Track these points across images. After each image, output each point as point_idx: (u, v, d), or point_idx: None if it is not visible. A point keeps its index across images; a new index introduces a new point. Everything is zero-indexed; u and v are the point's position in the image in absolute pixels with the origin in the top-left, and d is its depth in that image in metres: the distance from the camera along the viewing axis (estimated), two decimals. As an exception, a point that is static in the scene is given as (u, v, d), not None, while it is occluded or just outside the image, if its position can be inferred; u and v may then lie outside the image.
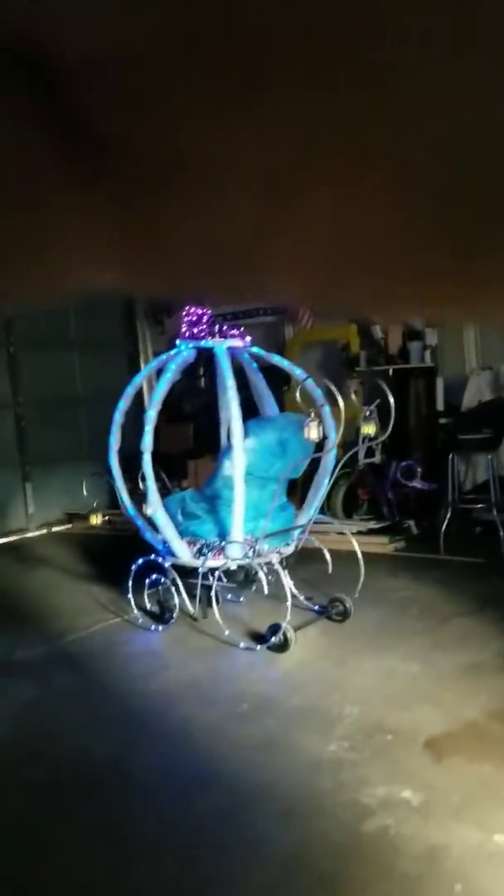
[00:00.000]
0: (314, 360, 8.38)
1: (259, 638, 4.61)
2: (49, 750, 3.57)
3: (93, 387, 9.42)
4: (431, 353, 7.71)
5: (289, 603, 4.50)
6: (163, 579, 4.94)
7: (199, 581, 4.79)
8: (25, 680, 4.37)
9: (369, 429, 4.97)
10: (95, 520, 5.80)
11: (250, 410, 5.06)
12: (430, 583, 5.60)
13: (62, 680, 4.35)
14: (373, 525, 7.00)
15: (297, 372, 4.96)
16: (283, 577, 4.60)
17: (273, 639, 4.47)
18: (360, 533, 5.79)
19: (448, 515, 6.51)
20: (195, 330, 4.80)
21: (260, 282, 0.21)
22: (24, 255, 0.20)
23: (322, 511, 5.24)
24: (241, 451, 4.53)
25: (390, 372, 7.51)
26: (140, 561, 5.02)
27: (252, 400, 5.28)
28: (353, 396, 5.30)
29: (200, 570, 4.73)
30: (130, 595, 5.12)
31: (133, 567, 5.05)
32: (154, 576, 4.99)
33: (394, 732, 3.47)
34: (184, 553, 4.82)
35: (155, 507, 4.77)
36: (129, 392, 5.10)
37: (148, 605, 5.19)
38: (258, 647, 4.52)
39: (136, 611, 5.15)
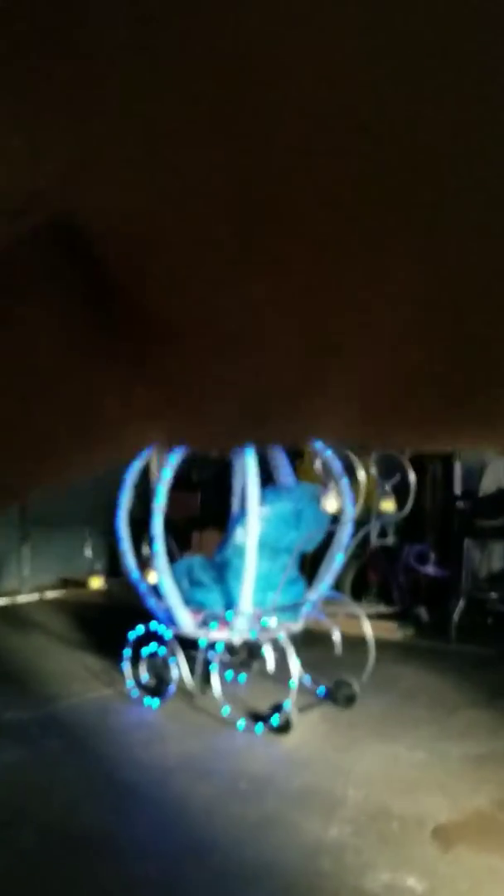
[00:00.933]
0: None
1: (260, 717, 4.45)
2: (37, 812, 3.42)
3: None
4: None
5: (294, 683, 4.35)
6: (161, 650, 4.80)
7: (200, 654, 4.66)
8: (14, 742, 4.22)
9: (388, 505, 4.90)
10: (96, 582, 5.70)
11: (265, 481, 5.00)
12: (439, 672, 5.47)
13: (52, 744, 4.20)
14: (382, 609, 6.88)
15: (318, 443, 4.91)
16: (290, 654, 4.46)
17: (274, 719, 4.31)
18: (369, 617, 5.68)
19: (461, 604, 6.38)
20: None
21: (300, 430, 0.22)
22: (70, 429, 0.20)
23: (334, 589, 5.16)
24: (257, 517, 4.46)
25: (407, 454, 7.49)
26: (139, 629, 4.88)
27: (267, 471, 5.23)
28: (373, 471, 5.25)
29: (203, 642, 4.61)
30: (126, 665, 4.97)
31: (130, 635, 4.92)
32: (152, 646, 4.85)
33: (399, 818, 3.32)
34: (187, 623, 4.69)
35: (162, 571, 4.67)
36: (145, 453, 5.04)
37: (144, 677, 5.03)
38: (259, 726, 4.36)
39: (130, 681, 4.98)
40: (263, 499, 4.61)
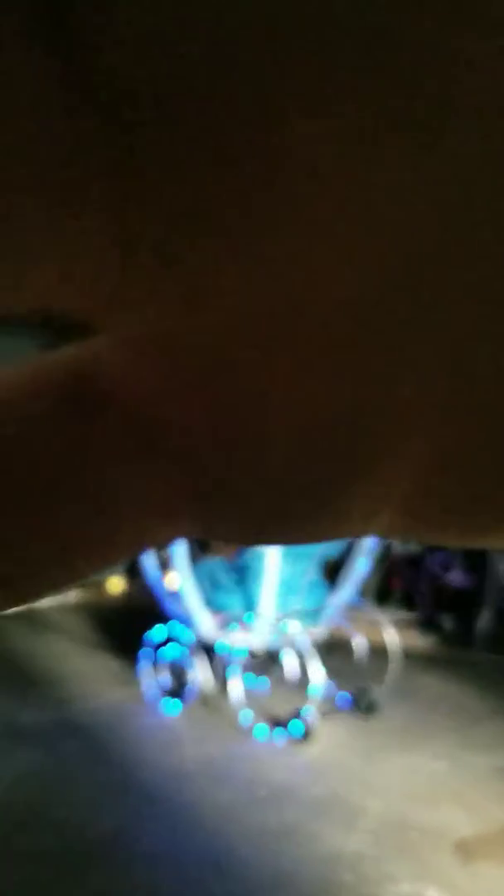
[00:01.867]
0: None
1: (279, 723, 4.41)
2: (54, 816, 3.39)
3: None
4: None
5: (315, 689, 4.31)
6: (181, 653, 4.77)
7: (220, 658, 4.63)
8: (32, 744, 4.19)
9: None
10: (116, 585, 5.68)
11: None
12: (462, 681, 5.40)
13: (69, 747, 4.17)
14: (405, 617, 6.83)
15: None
16: (311, 660, 4.42)
17: (295, 725, 4.27)
18: (391, 624, 5.65)
19: (485, 613, 6.31)
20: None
21: (340, 525, 0.19)
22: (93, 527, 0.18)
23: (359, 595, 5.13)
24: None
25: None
26: (159, 632, 4.86)
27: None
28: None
29: (223, 646, 4.58)
30: (146, 667, 4.94)
31: (150, 638, 4.89)
32: (171, 648, 4.83)
33: (419, 830, 3.27)
34: (207, 626, 4.66)
35: (182, 572, 4.65)
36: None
37: (163, 679, 5.00)
38: (278, 732, 4.32)
39: (150, 683, 4.96)
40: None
